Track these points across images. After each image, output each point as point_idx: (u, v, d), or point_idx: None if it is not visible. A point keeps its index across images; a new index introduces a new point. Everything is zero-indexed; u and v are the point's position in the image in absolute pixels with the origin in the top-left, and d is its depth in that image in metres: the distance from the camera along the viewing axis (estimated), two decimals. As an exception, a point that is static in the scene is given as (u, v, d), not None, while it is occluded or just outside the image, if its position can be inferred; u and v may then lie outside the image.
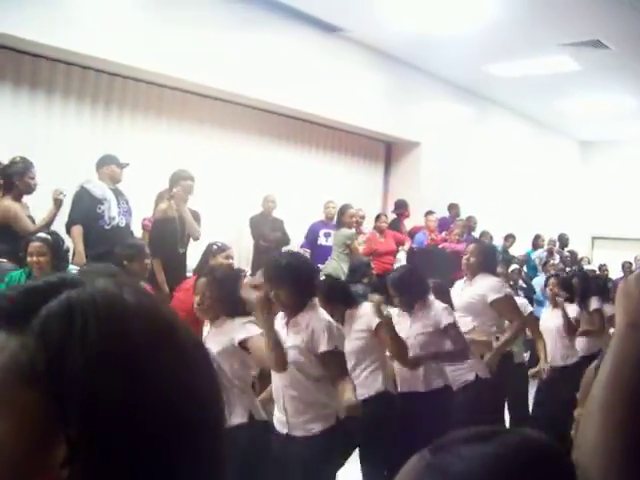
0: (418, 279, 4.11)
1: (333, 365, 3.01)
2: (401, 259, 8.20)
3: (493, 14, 7.31)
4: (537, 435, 0.67)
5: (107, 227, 5.37)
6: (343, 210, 7.79)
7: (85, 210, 5.29)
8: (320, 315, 3.07)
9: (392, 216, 9.20)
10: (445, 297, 4.41)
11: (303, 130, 9.01)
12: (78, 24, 5.89)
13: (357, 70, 8.93)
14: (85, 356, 0.55)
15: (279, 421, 3.15)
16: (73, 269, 4.49)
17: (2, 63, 6.12)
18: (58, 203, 5.10)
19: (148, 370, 0.58)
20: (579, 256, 12.20)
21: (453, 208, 9.88)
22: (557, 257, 10.70)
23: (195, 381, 0.62)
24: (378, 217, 8.62)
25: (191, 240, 5.85)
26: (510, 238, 10.51)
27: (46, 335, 0.56)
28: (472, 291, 4.66)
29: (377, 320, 3.64)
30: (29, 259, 4.13)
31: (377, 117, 9.25)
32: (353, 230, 7.71)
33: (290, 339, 3.04)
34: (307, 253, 8.22)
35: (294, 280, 3.04)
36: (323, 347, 2.96)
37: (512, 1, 7.01)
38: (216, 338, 3.08)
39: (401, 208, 9.28)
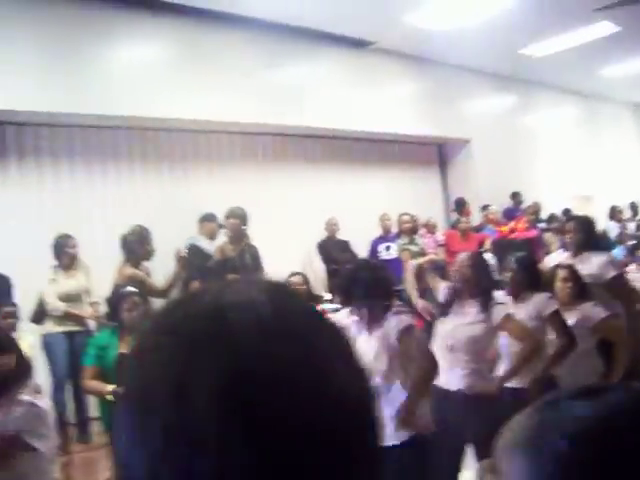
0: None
1: None
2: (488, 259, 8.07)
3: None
4: None
5: None
6: (398, 220, 7.84)
7: (198, 266, 5.58)
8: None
9: (453, 215, 9.10)
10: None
11: (352, 149, 9.04)
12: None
13: (393, 79, 8.94)
14: None
15: None
16: None
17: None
18: (182, 261, 5.41)
19: None
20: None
21: (516, 196, 9.78)
22: (632, 225, 10.35)
23: None
24: (458, 221, 8.60)
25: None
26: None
27: None
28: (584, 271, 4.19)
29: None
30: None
31: (422, 121, 9.21)
32: (398, 241, 7.67)
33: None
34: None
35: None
36: None
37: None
38: None
39: (461, 206, 9.19)
